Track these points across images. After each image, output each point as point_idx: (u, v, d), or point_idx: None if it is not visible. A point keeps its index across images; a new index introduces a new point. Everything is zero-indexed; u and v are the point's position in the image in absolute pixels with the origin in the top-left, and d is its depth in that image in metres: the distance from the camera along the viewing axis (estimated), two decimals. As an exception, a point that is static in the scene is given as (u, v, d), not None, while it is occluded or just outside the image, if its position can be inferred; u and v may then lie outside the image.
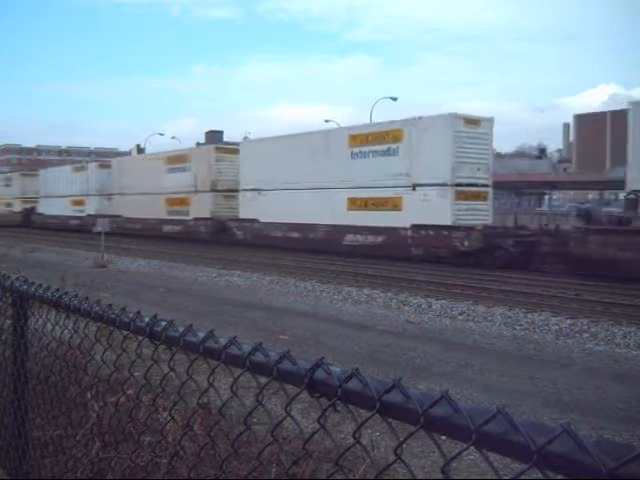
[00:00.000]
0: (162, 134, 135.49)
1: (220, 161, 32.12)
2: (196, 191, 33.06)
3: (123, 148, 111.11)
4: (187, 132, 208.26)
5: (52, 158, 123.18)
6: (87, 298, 2.42)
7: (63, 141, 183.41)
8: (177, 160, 35.16)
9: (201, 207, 32.45)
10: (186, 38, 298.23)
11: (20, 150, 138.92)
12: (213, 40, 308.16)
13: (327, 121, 52.59)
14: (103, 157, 76.01)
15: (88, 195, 42.99)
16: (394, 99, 53.79)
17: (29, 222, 50.02)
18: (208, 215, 32.06)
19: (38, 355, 3.10)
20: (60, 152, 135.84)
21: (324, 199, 24.76)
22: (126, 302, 2.79)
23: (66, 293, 2.59)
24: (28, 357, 3.07)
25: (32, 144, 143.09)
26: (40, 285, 2.84)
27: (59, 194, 46.78)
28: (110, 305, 2.23)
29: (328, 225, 24.73)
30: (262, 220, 27.72)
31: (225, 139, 66.83)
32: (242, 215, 29.41)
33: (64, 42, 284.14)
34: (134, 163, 42.09)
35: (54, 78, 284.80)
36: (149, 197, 36.17)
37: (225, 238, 30.08)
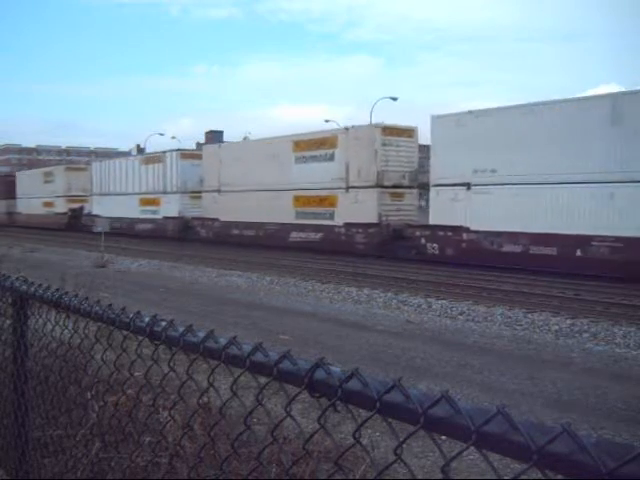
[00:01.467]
0: (162, 134, 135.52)
1: (388, 145, 23.92)
2: (348, 187, 24.88)
3: (123, 148, 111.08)
4: (187, 132, 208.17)
5: (52, 158, 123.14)
6: (87, 298, 2.42)
7: (63, 141, 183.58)
8: (315, 145, 26.24)
9: (358, 208, 24.35)
10: (186, 38, 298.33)
11: (20, 150, 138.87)
12: (213, 40, 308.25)
13: (327, 121, 52.64)
14: (103, 157, 75.79)
15: (165, 193, 34.95)
16: (394, 99, 53.80)
17: (78, 225, 42.42)
18: (374, 219, 23.74)
19: (38, 355, 3.10)
20: (60, 152, 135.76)
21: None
22: (126, 302, 2.79)
23: (66, 293, 2.59)
24: (28, 357, 3.07)
25: (32, 144, 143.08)
26: (40, 285, 2.84)
27: (121, 191, 39.28)
28: (110, 305, 2.22)
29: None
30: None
31: (225, 139, 66.77)
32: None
33: (64, 42, 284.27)
34: (242, 150, 31.66)
35: (54, 78, 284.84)
36: (268, 195, 27.68)
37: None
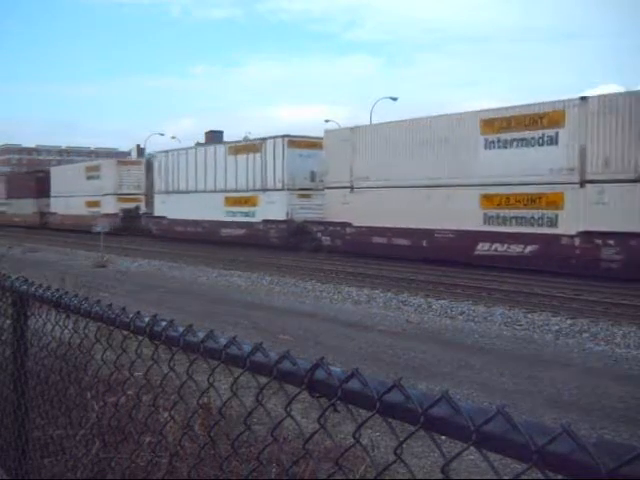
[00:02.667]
0: (162, 134, 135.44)
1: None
2: (582, 181, 17.59)
3: (123, 148, 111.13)
4: (187, 132, 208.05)
5: (52, 158, 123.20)
6: (87, 298, 2.42)
7: (63, 141, 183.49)
8: (524, 122, 19.06)
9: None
10: (186, 38, 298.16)
11: (20, 150, 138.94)
12: (213, 40, 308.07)
13: (327, 121, 52.57)
14: (103, 157, 75.64)
15: (266, 190, 28.03)
16: (394, 99, 53.85)
17: (134, 228, 37.02)
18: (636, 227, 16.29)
19: (38, 355, 3.10)
20: (60, 152, 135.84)
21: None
22: (126, 302, 2.79)
23: (66, 293, 2.59)
24: (28, 357, 3.07)
25: (32, 144, 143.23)
26: (40, 285, 2.84)
27: (197, 189, 32.16)
28: (110, 305, 2.23)
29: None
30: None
31: (225, 139, 66.74)
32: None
33: (64, 42, 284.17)
34: (389, 133, 23.19)
35: (54, 78, 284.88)
36: (435, 193, 21.14)
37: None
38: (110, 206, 39.39)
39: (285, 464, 2.88)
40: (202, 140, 76.41)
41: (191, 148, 35.34)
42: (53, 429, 3.14)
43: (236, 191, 29.77)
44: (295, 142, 27.70)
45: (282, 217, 27.11)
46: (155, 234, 34.96)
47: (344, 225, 24.16)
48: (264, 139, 28.72)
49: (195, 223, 31.90)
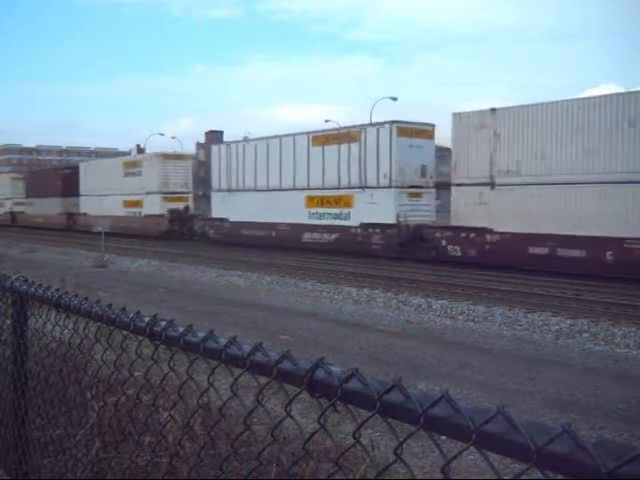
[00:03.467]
0: (162, 134, 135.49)
1: None
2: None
3: (123, 148, 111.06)
4: (187, 132, 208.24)
5: (52, 158, 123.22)
6: (87, 298, 2.42)
7: (63, 141, 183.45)
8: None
9: None
10: (186, 38, 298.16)
11: (20, 150, 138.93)
12: (213, 40, 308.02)
13: (327, 121, 52.52)
14: (104, 157, 75.52)
15: (365, 187, 23.52)
16: (394, 99, 53.81)
17: (185, 232, 33.09)
18: None
19: (38, 355, 3.10)
20: (60, 152, 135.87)
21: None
22: (126, 302, 2.79)
23: (66, 293, 2.59)
24: (28, 357, 3.07)
25: (32, 144, 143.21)
26: (40, 285, 2.84)
27: (267, 186, 27.78)
28: (110, 305, 2.23)
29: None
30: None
31: (225, 139, 66.68)
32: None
33: (64, 42, 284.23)
34: (546, 114, 18.17)
35: (54, 78, 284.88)
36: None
37: None
38: (154, 206, 34.69)
39: (285, 464, 2.88)
40: (202, 140, 76.39)
41: (262, 139, 29.49)
42: (53, 429, 3.13)
43: (323, 189, 25.23)
44: (406, 130, 22.91)
45: (390, 220, 22.44)
46: (212, 239, 30.62)
47: (481, 231, 19.53)
48: (363, 126, 24.05)
49: (267, 227, 27.26)
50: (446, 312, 13.26)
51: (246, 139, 33.86)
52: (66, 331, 2.72)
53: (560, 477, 0.90)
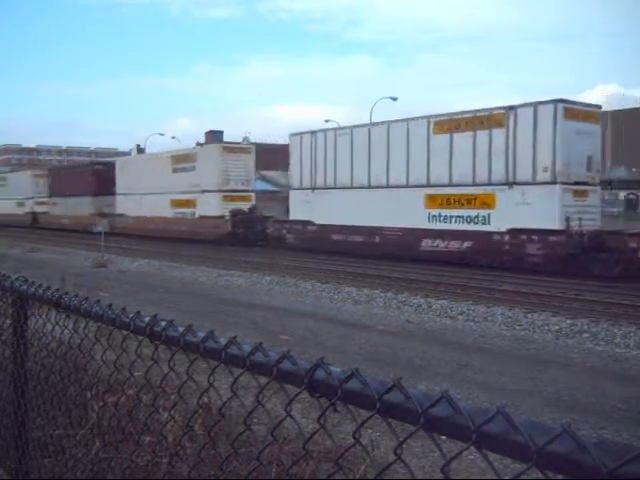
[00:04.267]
0: (162, 134, 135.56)
1: None
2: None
3: (123, 148, 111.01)
4: (186, 132, 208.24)
5: (52, 158, 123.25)
6: (87, 298, 2.42)
7: (63, 141, 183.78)
8: None
9: None
10: (186, 38, 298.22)
11: (20, 150, 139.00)
12: (213, 40, 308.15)
13: (327, 121, 52.58)
14: (104, 157, 75.33)
15: (512, 184, 19.11)
16: (394, 99, 53.84)
17: (254, 237, 28.60)
18: None
19: (38, 355, 3.10)
20: (60, 152, 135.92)
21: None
22: (126, 302, 2.79)
23: (66, 293, 2.59)
24: (28, 357, 3.07)
25: (32, 144, 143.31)
26: (40, 285, 2.84)
27: (370, 182, 23.35)
28: (110, 305, 2.23)
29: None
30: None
31: (225, 139, 66.57)
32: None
33: (64, 42, 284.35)
34: None
35: (54, 78, 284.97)
36: None
37: None
38: (211, 206, 30.34)
39: (285, 464, 2.88)
40: (202, 140, 76.25)
41: (361, 126, 24.56)
42: (53, 429, 3.14)
43: (449, 186, 20.69)
44: (573, 111, 18.64)
45: (551, 225, 18.19)
46: (291, 245, 26.21)
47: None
48: (512, 107, 19.17)
49: (368, 231, 23.07)
50: (446, 312, 13.26)
51: (336, 129, 26.53)
52: (66, 331, 2.73)
53: (560, 477, 0.91)
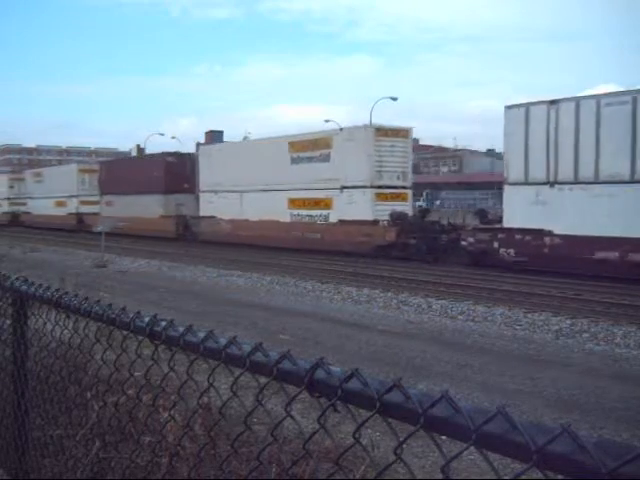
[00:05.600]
0: (162, 134, 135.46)
1: None
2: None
3: (123, 148, 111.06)
4: (186, 132, 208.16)
5: (52, 158, 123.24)
6: (87, 298, 2.42)
7: (63, 141, 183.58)
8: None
9: None
10: (186, 38, 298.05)
11: (20, 150, 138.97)
12: (213, 40, 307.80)
13: (327, 121, 52.49)
14: (104, 157, 75.20)
15: None
16: (394, 99, 53.83)
17: (432, 249, 21.65)
18: None
19: (38, 355, 3.10)
20: (60, 152, 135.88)
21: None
22: (126, 302, 2.79)
23: (66, 293, 2.59)
24: (28, 357, 3.07)
25: (32, 144, 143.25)
26: (40, 285, 2.84)
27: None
28: (110, 305, 2.23)
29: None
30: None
31: (225, 139, 66.58)
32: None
33: (64, 42, 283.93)
34: None
35: (54, 78, 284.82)
36: None
37: None
38: (358, 208, 23.15)
39: (285, 464, 2.88)
40: (202, 140, 76.27)
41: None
42: (53, 429, 3.13)
43: None
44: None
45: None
46: (509, 263, 19.10)
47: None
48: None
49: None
50: (446, 312, 13.26)
51: (600, 96, 17.57)
52: (66, 331, 2.72)
53: (560, 477, 0.90)
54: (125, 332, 2.10)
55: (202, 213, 31.17)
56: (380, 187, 23.33)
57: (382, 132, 23.75)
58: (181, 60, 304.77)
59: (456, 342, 10.18)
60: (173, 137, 67.29)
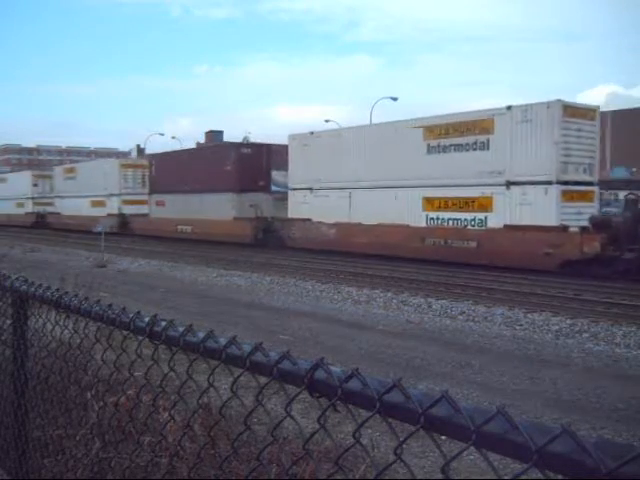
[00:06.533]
0: (162, 134, 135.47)
1: None
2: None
3: (123, 148, 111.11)
4: (187, 132, 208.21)
5: (52, 158, 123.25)
6: (87, 298, 2.42)
7: (63, 141, 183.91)
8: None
9: None
10: (186, 38, 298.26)
11: (20, 150, 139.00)
12: (213, 40, 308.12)
13: (327, 121, 52.57)
14: (105, 157, 75.06)
15: None
16: (394, 99, 53.87)
17: None
18: None
19: (38, 355, 3.10)
20: (60, 152, 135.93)
21: None
22: (126, 302, 2.80)
23: (66, 293, 2.59)
24: (28, 357, 3.07)
25: (32, 144, 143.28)
26: (40, 285, 2.84)
27: None
28: (110, 305, 2.23)
29: None
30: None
31: (225, 139, 66.56)
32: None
33: (64, 42, 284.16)
34: None
35: (54, 78, 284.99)
36: None
37: None
38: (536, 210, 18.08)
39: (285, 464, 2.88)
40: (202, 140, 76.29)
41: None
42: (53, 429, 3.13)
43: None
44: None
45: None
46: None
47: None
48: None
49: None
50: (446, 312, 13.26)
51: None
52: (66, 331, 2.72)
53: (560, 477, 0.90)
54: (125, 332, 2.10)
55: (292, 215, 25.36)
56: (566, 183, 18.00)
57: (570, 111, 18.16)
58: (181, 60, 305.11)
59: (456, 342, 10.18)
60: (173, 137, 67.33)
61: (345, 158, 23.03)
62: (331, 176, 23.64)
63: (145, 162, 37.50)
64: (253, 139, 41.56)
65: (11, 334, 3.11)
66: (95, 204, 38.44)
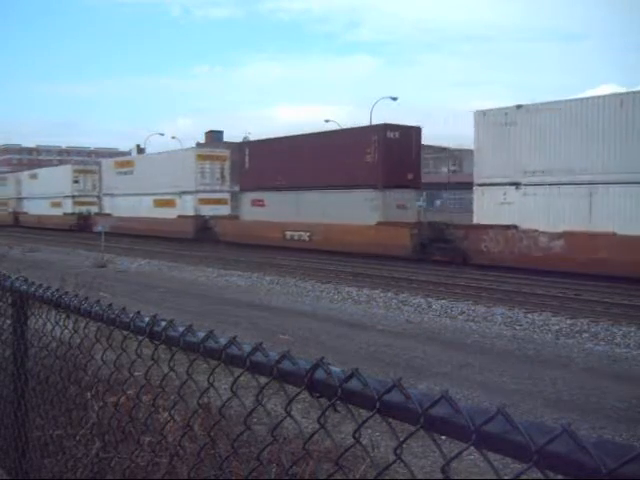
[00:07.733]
0: (162, 134, 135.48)
1: None
2: None
3: (123, 148, 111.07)
4: (187, 132, 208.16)
5: (52, 158, 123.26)
6: (87, 298, 2.42)
7: (63, 141, 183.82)
8: None
9: None
10: (186, 38, 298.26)
11: (20, 150, 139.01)
12: (213, 40, 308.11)
13: (327, 121, 52.56)
14: (105, 157, 74.95)
15: None
16: (394, 99, 53.94)
17: None
18: None
19: (38, 355, 3.10)
20: (60, 152, 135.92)
21: None
22: (126, 302, 2.79)
23: (66, 293, 2.58)
24: (28, 357, 3.07)
25: (32, 144, 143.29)
26: (40, 285, 2.83)
27: None
28: (110, 305, 2.22)
29: None
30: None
31: (225, 139, 66.50)
32: None
33: (64, 42, 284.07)
34: None
35: (54, 78, 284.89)
36: None
37: None
38: None
39: (285, 464, 2.88)
40: (202, 140, 76.28)
41: None
42: (53, 429, 3.13)
43: None
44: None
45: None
46: None
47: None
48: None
49: None
50: (446, 312, 13.26)
51: None
52: (66, 331, 2.72)
53: (560, 477, 0.90)
54: (125, 332, 2.09)
55: (480, 219, 19.17)
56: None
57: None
58: (181, 60, 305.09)
59: (456, 342, 10.17)
60: (173, 137, 67.27)
61: (585, 141, 16.51)
62: (557, 166, 17.11)
63: (225, 153, 31.37)
64: (253, 139, 39.02)
65: (11, 334, 3.10)
66: (160, 204, 31.85)
